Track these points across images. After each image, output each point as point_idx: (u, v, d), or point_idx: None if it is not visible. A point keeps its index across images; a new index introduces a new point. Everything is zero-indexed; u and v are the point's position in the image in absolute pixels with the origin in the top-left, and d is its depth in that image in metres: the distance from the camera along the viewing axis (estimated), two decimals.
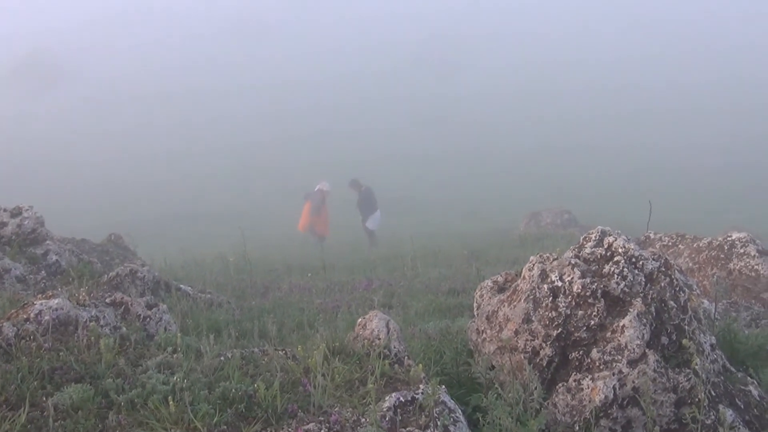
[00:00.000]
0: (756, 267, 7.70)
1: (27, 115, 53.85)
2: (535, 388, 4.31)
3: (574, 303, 4.66)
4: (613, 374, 4.35)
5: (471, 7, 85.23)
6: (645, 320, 4.50)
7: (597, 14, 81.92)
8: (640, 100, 57.45)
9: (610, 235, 5.04)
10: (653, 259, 4.83)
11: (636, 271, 4.73)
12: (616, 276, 4.69)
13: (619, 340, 4.46)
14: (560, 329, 4.63)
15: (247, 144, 50.34)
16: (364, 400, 4.17)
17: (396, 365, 4.72)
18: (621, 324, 4.50)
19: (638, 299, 4.60)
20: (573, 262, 4.87)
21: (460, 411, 4.28)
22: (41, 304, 5.07)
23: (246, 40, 75.73)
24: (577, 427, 4.33)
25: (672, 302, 4.66)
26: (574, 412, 4.36)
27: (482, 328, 5.16)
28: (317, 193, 22.17)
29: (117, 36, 73.68)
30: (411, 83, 64.26)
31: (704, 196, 33.60)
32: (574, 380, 4.47)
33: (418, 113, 55.94)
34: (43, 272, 8.59)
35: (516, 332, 4.79)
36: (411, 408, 4.13)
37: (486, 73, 67.57)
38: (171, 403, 3.88)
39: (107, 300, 5.82)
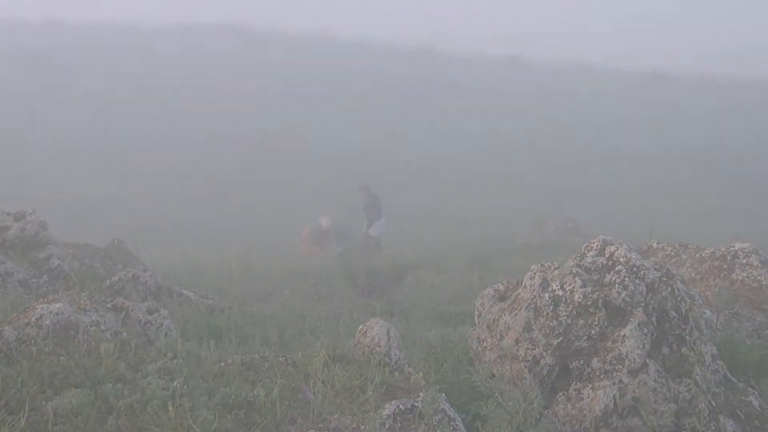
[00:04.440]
0: (759, 278, 7.66)
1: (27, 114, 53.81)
2: (536, 397, 4.30)
3: (575, 312, 4.66)
4: (614, 384, 4.34)
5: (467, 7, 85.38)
6: (646, 330, 4.49)
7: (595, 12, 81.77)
8: (643, 105, 57.16)
9: (611, 245, 5.03)
10: (655, 269, 4.83)
11: (637, 281, 4.72)
12: (617, 285, 4.68)
13: (619, 350, 4.45)
14: (561, 338, 4.62)
15: (246, 143, 50.25)
16: (364, 408, 4.17)
17: (396, 373, 4.71)
18: (622, 333, 4.49)
19: (639, 309, 4.59)
20: (574, 271, 4.86)
21: (459, 419, 4.27)
22: (42, 308, 5.07)
23: (232, 40, 75.76)
24: None
25: (673, 312, 4.65)
26: (574, 422, 4.35)
27: (483, 337, 5.16)
28: (316, 226, 22.43)
29: (116, 34, 73.82)
30: (412, 84, 64.05)
31: (708, 206, 33.47)
32: (575, 389, 4.46)
33: (421, 117, 55.72)
34: (45, 276, 8.60)
35: (517, 341, 4.79)
36: (410, 416, 4.12)
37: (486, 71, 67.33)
38: (171, 408, 3.88)
39: (108, 305, 5.83)
